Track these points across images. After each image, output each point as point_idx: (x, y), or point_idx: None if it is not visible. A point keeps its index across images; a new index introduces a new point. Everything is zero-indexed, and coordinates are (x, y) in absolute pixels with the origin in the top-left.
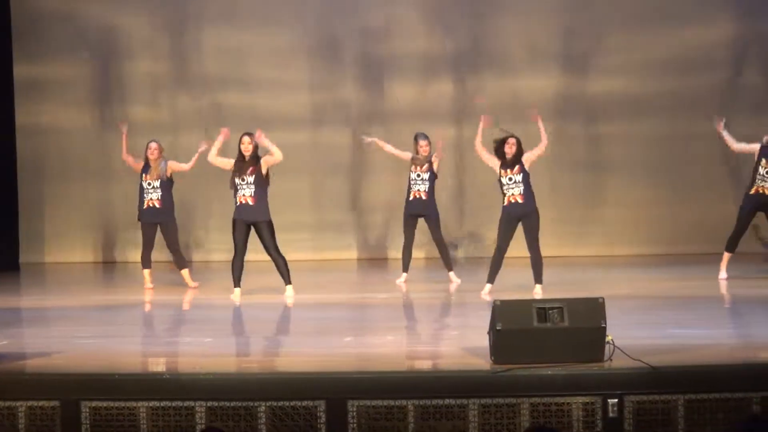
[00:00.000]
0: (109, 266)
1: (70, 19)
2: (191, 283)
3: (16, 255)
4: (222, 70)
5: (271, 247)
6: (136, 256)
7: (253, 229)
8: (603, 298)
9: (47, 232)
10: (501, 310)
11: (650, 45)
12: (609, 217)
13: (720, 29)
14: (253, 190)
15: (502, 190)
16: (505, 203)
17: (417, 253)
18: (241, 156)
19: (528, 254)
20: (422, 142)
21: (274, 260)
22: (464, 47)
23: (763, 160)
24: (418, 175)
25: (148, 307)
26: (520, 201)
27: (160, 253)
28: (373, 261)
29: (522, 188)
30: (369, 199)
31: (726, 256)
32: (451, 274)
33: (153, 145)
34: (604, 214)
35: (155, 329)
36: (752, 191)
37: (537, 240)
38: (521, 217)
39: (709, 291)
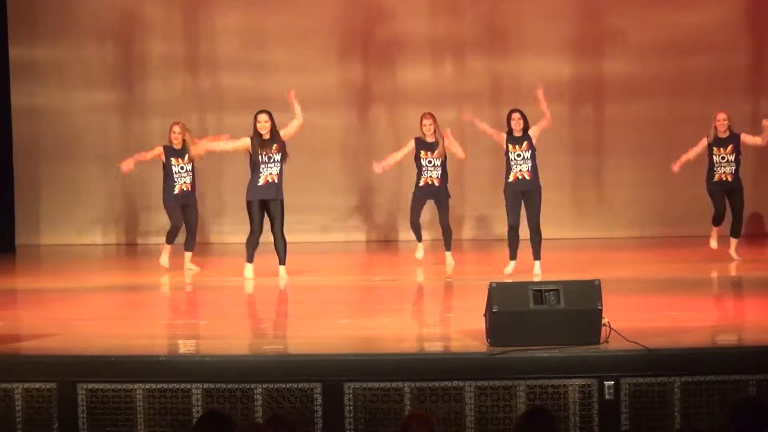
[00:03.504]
0: (104, 248)
1: (65, 1)
2: (192, 266)
3: (11, 237)
4: (225, 51)
5: (281, 226)
6: (132, 238)
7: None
8: (599, 281)
9: (43, 214)
10: (497, 293)
11: (653, 28)
12: (608, 199)
13: (718, 12)
14: (279, 168)
15: (509, 165)
16: (511, 179)
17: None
18: (258, 134)
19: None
20: (425, 122)
21: (279, 239)
22: (473, 30)
23: (714, 149)
24: (430, 162)
25: (144, 289)
26: (527, 177)
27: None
28: (380, 243)
29: (530, 165)
30: (376, 181)
31: (714, 230)
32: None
33: (176, 128)
34: (604, 196)
35: (151, 311)
36: (716, 179)
37: (539, 217)
38: (525, 192)
39: (705, 273)
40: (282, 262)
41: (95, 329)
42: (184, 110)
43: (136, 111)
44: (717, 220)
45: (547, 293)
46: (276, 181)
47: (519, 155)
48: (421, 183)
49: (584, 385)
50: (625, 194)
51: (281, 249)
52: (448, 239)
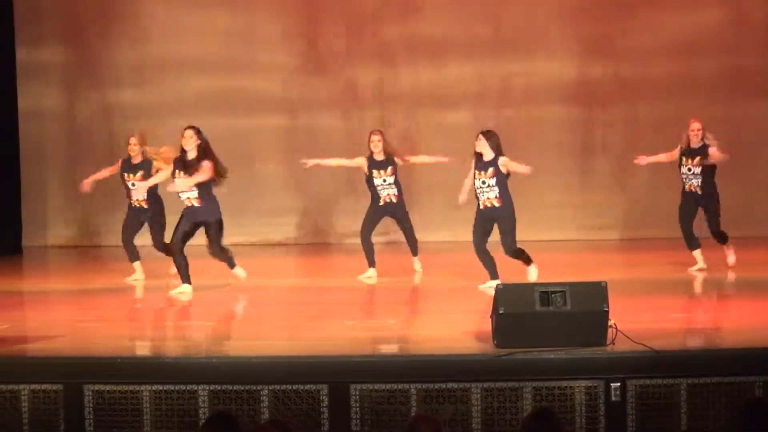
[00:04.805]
0: (111, 250)
1: (72, 3)
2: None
3: (18, 238)
4: (233, 52)
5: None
6: (138, 240)
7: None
8: (606, 282)
9: (50, 215)
10: (504, 294)
11: (655, 29)
12: (614, 200)
13: (724, 12)
14: (197, 193)
15: (475, 194)
16: (481, 207)
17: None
18: (183, 151)
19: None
20: (374, 137)
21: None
22: (477, 30)
23: (683, 159)
24: (384, 180)
25: (150, 291)
26: (497, 205)
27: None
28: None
29: (497, 191)
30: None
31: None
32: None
33: (132, 140)
34: (609, 198)
35: (157, 313)
36: (686, 188)
37: (515, 241)
38: (496, 219)
39: (711, 275)
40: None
41: (102, 331)
42: (192, 112)
43: (143, 113)
44: (688, 242)
45: (553, 295)
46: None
47: (484, 182)
48: (381, 203)
49: (590, 386)
50: (630, 195)
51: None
52: (414, 245)
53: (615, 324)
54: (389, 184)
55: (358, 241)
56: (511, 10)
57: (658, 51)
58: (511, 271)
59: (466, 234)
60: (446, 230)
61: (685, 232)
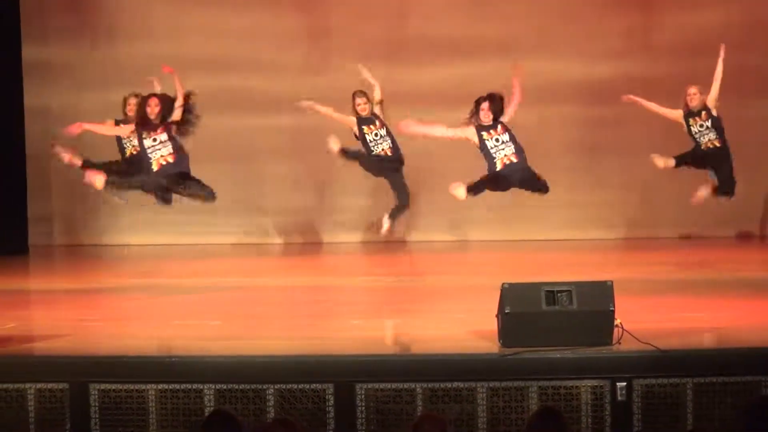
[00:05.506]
0: (117, 249)
1: (77, 1)
2: None
3: (24, 237)
4: (236, 51)
5: None
6: (143, 239)
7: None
8: (612, 282)
9: (56, 214)
10: (509, 293)
11: (659, 28)
12: (620, 200)
13: (722, 12)
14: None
15: (491, 155)
16: (500, 167)
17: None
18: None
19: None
20: (359, 100)
21: None
22: (484, 30)
23: (690, 120)
24: (377, 134)
25: (155, 290)
26: (515, 160)
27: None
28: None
29: (513, 146)
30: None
31: None
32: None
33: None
34: (615, 198)
35: (163, 312)
36: (703, 148)
37: None
38: (520, 177)
39: (717, 275)
40: None
41: (108, 330)
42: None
43: None
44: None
45: (559, 294)
46: None
47: (498, 140)
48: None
49: (596, 386)
50: (632, 195)
51: None
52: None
53: (621, 323)
54: (382, 137)
55: (361, 239)
56: (515, 9)
57: (662, 50)
58: (514, 271)
59: (468, 233)
60: (448, 230)
61: None
